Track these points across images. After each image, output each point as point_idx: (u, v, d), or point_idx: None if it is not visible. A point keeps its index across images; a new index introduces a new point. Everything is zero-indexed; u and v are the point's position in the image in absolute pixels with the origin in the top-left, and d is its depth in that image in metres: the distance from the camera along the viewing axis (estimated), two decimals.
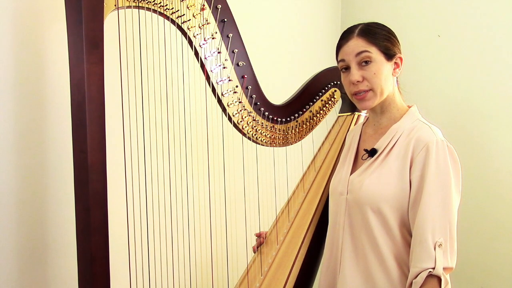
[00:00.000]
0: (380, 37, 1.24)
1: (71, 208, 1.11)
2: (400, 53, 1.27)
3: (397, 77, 1.29)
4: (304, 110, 1.54)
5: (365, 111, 1.62)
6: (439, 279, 1.12)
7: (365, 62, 1.22)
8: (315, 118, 1.58)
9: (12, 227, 1.29)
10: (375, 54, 1.22)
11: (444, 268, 1.12)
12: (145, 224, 1.19)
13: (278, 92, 1.56)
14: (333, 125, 1.71)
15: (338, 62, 1.29)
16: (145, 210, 1.20)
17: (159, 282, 1.31)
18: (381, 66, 1.22)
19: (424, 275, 1.11)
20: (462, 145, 2.35)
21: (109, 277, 1.09)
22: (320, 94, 1.58)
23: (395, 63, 1.26)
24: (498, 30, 2.29)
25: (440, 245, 1.12)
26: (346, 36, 1.26)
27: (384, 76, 1.23)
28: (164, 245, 1.35)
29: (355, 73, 1.22)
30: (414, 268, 1.13)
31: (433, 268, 1.11)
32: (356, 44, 1.23)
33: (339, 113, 1.72)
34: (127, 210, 1.13)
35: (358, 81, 1.22)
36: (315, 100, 1.56)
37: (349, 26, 1.29)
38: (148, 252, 1.21)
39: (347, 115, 1.68)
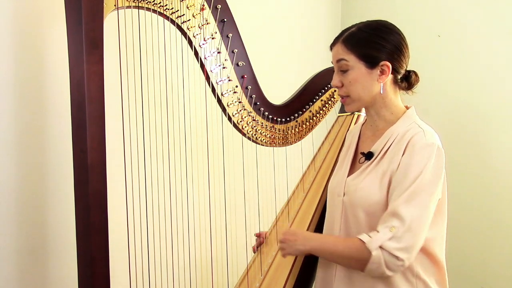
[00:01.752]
0: (363, 44, 1.21)
1: (71, 208, 1.11)
2: (392, 59, 1.22)
3: (398, 81, 1.26)
4: (304, 110, 1.54)
5: (365, 112, 1.62)
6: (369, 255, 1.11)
7: (343, 69, 1.24)
8: (315, 118, 1.58)
9: (12, 227, 1.29)
10: (353, 62, 1.22)
11: (383, 249, 1.10)
12: (145, 224, 1.19)
13: (278, 92, 1.56)
14: (333, 125, 1.71)
15: None
16: (145, 210, 1.20)
17: (159, 283, 1.31)
18: (358, 75, 1.22)
19: (358, 241, 1.13)
20: (462, 145, 2.36)
21: (109, 277, 1.09)
22: (320, 94, 1.58)
23: (382, 69, 1.22)
24: (498, 30, 2.29)
25: (391, 229, 1.11)
26: (334, 40, 1.28)
27: (362, 84, 1.22)
28: (164, 245, 1.35)
29: (335, 78, 1.26)
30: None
31: (368, 239, 1.12)
32: (337, 51, 1.25)
33: (339, 113, 1.72)
34: (127, 210, 1.13)
35: (337, 86, 1.26)
36: (314, 100, 1.56)
37: (349, 25, 1.28)
38: (148, 252, 1.21)
39: (347, 115, 1.68)
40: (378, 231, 1.13)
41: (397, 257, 1.11)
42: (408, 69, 1.28)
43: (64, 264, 1.40)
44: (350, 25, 1.28)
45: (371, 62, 1.22)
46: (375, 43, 1.22)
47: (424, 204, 1.14)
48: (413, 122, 1.24)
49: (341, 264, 1.23)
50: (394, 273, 1.15)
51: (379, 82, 1.23)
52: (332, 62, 1.28)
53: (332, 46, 1.28)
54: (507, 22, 2.26)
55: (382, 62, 1.22)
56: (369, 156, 1.26)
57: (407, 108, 1.30)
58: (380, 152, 1.24)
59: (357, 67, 1.22)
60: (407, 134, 1.21)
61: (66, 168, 1.35)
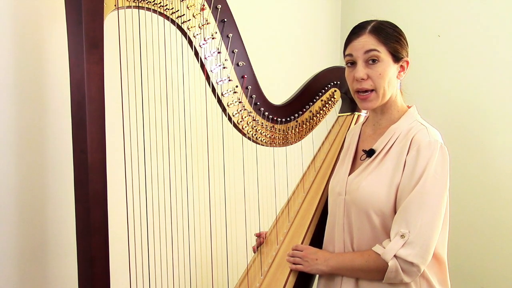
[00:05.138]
0: (391, 37, 1.22)
1: (71, 208, 1.11)
2: (407, 56, 1.26)
3: (401, 80, 1.28)
4: (304, 110, 1.54)
5: (365, 111, 1.62)
6: (386, 266, 1.13)
7: (372, 61, 1.21)
8: (315, 118, 1.58)
9: (12, 227, 1.29)
10: (384, 54, 1.21)
11: (398, 257, 1.12)
12: (145, 224, 1.19)
13: (278, 92, 1.56)
14: (333, 125, 1.71)
15: (345, 55, 1.27)
16: (145, 210, 1.20)
17: (159, 282, 1.31)
18: (387, 67, 1.21)
19: (373, 254, 1.17)
20: (462, 145, 2.36)
21: (109, 277, 1.09)
22: (320, 94, 1.58)
23: (401, 66, 1.25)
24: (498, 30, 2.29)
25: (402, 236, 1.12)
26: (357, 31, 1.24)
27: (389, 78, 1.22)
28: (164, 245, 1.35)
29: (361, 70, 1.21)
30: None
31: (383, 250, 1.14)
32: (367, 41, 1.21)
33: (339, 113, 1.72)
34: (127, 210, 1.13)
35: (362, 79, 1.21)
36: (315, 100, 1.56)
37: (349, 26, 1.28)
38: (148, 252, 1.21)
39: (347, 115, 1.68)
40: (390, 240, 1.14)
41: (411, 263, 1.12)
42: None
43: (64, 263, 1.40)
44: (360, 22, 1.27)
45: (396, 57, 1.23)
46: (399, 39, 1.24)
47: (433, 204, 1.14)
48: (415, 120, 1.25)
49: (361, 278, 1.22)
50: (413, 279, 1.15)
51: (397, 78, 1.25)
52: (351, 54, 1.23)
53: (354, 38, 1.23)
54: (507, 22, 2.26)
55: (405, 59, 1.25)
56: (370, 153, 1.26)
57: (408, 107, 1.30)
58: (382, 149, 1.24)
59: (386, 60, 1.21)
60: (410, 131, 1.21)
61: (66, 168, 1.35)
